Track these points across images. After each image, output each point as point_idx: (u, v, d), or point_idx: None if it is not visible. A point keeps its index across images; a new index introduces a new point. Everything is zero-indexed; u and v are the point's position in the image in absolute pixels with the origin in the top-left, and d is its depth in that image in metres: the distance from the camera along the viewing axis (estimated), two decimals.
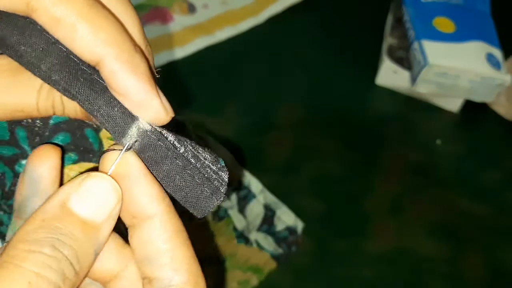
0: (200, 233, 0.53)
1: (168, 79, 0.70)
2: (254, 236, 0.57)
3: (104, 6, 0.22)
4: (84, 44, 0.21)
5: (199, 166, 0.23)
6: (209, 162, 0.24)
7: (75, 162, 0.26)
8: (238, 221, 0.57)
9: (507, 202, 0.66)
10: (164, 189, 0.23)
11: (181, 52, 0.71)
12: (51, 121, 0.26)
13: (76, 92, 0.22)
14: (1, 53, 0.23)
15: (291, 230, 0.58)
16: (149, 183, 0.22)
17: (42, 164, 0.24)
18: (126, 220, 0.23)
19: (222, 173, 0.24)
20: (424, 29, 0.70)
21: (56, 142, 0.27)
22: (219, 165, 0.24)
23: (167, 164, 0.23)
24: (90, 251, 0.21)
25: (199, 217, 0.24)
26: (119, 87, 0.22)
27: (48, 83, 0.22)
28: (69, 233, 0.20)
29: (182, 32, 0.73)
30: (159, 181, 0.23)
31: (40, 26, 0.22)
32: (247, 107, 0.68)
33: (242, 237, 0.56)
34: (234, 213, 0.57)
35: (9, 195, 0.27)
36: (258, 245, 0.56)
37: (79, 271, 0.20)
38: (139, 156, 0.23)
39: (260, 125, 0.67)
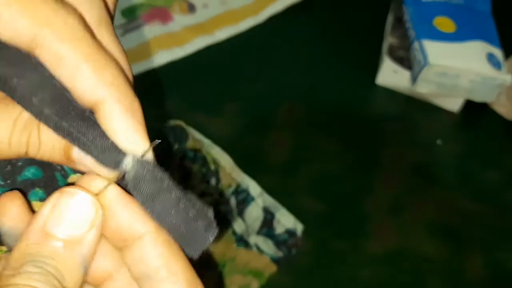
0: None
1: (168, 79, 0.69)
2: (253, 239, 0.57)
3: (108, 51, 0.22)
4: (87, 84, 0.21)
5: (190, 200, 0.23)
6: (195, 197, 0.24)
7: (41, 199, 0.26)
8: (237, 225, 0.57)
9: (507, 202, 0.66)
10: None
11: (181, 51, 0.71)
12: None
13: (69, 125, 0.22)
14: None
15: (290, 232, 0.58)
16: (133, 206, 0.23)
17: (7, 217, 0.24)
18: (117, 244, 0.23)
19: (209, 211, 0.24)
20: (425, 29, 0.70)
21: (27, 174, 0.26)
22: (202, 204, 0.24)
23: (163, 197, 0.23)
24: (76, 265, 0.21)
25: (195, 257, 0.23)
26: (115, 128, 0.22)
27: (39, 119, 0.22)
28: (50, 254, 0.21)
29: (182, 32, 0.73)
30: (153, 217, 0.23)
31: (35, 61, 0.22)
32: (247, 107, 0.68)
33: (242, 241, 0.56)
34: (233, 217, 0.57)
35: None
36: (258, 248, 0.56)
37: (68, 286, 0.21)
38: (132, 192, 0.23)
39: (260, 125, 0.67)
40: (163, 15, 0.74)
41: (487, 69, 0.67)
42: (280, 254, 0.57)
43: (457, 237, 0.62)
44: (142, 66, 0.69)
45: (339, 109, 0.70)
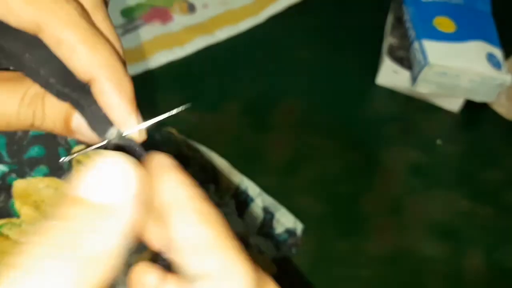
0: None
1: (168, 79, 0.69)
2: (254, 239, 0.57)
3: (102, 34, 0.25)
4: (81, 63, 0.24)
5: None
6: None
7: (46, 175, 0.29)
8: (238, 225, 0.57)
9: (507, 202, 0.66)
10: None
11: (181, 51, 0.71)
12: (31, 133, 0.28)
13: (70, 91, 0.25)
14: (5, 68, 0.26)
15: (290, 232, 0.58)
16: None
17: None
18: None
19: None
20: (425, 29, 0.70)
21: (32, 153, 0.30)
22: None
23: None
24: (113, 232, 0.21)
25: None
26: (106, 103, 0.24)
27: (44, 87, 0.25)
28: (90, 222, 0.20)
29: (182, 32, 0.73)
30: None
31: (42, 41, 0.25)
32: (247, 107, 0.68)
33: (242, 241, 0.56)
34: (233, 218, 0.57)
35: None
36: (259, 249, 0.56)
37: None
38: None
39: (260, 125, 0.67)
40: (163, 15, 0.74)
41: (487, 69, 0.67)
42: (280, 254, 0.57)
43: (457, 237, 0.62)
44: (142, 66, 0.69)
45: (339, 109, 0.70)
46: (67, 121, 0.26)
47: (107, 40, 0.25)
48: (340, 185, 0.64)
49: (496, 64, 0.68)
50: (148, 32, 0.72)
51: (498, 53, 0.69)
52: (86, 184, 0.21)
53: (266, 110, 0.69)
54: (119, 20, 0.72)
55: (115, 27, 0.27)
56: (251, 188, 0.59)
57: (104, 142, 0.25)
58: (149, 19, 0.73)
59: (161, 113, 0.27)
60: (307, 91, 0.72)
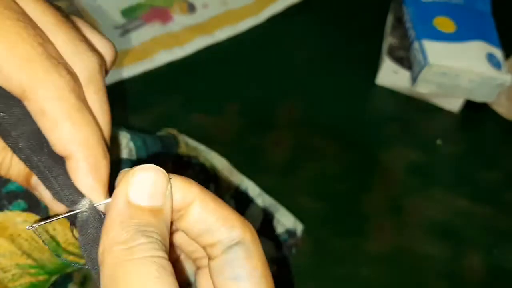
0: None
1: (168, 79, 0.70)
2: None
3: (90, 111, 0.25)
4: (60, 138, 0.24)
5: None
6: None
7: (24, 210, 0.30)
8: None
9: (507, 202, 0.66)
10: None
11: (180, 52, 0.71)
12: None
13: (38, 159, 0.24)
14: None
15: (290, 232, 0.58)
16: (176, 180, 0.25)
17: None
18: (173, 218, 0.25)
19: None
20: (425, 29, 0.70)
21: (11, 187, 0.30)
22: None
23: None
24: (166, 230, 0.24)
25: None
26: (78, 182, 0.25)
27: (14, 150, 0.25)
28: (147, 222, 0.23)
29: (181, 32, 0.73)
30: (86, 259, 0.25)
31: None
32: (247, 107, 0.68)
33: None
34: None
35: None
36: None
37: (166, 249, 0.23)
38: (78, 232, 0.25)
39: (260, 125, 0.67)
40: (163, 15, 0.74)
41: (487, 69, 0.67)
42: (280, 254, 0.57)
43: (457, 237, 0.62)
44: (142, 66, 0.69)
45: (339, 109, 0.70)
46: (28, 177, 0.26)
47: (94, 116, 0.25)
48: (340, 185, 0.64)
49: (496, 64, 0.68)
50: (148, 32, 0.72)
51: (498, 53, 0.69)
52: (136, 191, 0.23)
53: (266, 110, 0.69)
54: (119, 20, 0.72)
55: (108, 102, 0.26)
56: (251, 188, 0.59)
57: (77, 212, 0.24)
58: (149, 19, 0.73)
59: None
60: (307, 91, 0.72)
